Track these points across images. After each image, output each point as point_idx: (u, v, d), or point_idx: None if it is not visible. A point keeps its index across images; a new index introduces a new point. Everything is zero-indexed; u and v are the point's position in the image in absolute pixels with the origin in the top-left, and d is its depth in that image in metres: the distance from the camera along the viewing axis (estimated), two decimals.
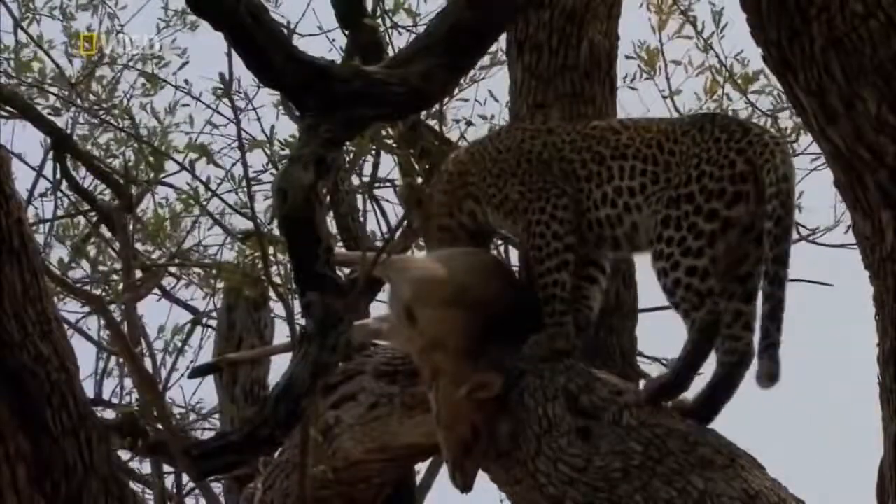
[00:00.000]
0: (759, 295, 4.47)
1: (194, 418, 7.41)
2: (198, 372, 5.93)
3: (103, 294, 6.52)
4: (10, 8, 7.13)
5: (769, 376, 4.31)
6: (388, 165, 6.80)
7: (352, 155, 6.32)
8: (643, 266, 4.77)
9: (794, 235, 4.84)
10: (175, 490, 6.62)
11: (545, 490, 4.44)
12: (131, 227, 6.64)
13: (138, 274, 6.48)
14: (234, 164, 6.91)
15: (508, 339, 4.63)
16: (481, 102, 6.38)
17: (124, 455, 5.15)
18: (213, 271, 6.71)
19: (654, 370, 6.70)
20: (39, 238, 6.85)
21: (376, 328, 4.99)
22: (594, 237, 4.66)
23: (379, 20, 6.46)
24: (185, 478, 6.60)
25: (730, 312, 4.49)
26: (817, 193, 6.31)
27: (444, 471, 4.77)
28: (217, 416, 7.36)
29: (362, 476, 5.00)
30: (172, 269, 6.96)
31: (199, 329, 7.39)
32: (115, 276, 6.62)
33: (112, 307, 6.31)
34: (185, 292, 7.26)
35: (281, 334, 7.11)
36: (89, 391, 6.05)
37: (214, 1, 3.92)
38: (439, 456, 4.81)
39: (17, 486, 4.09)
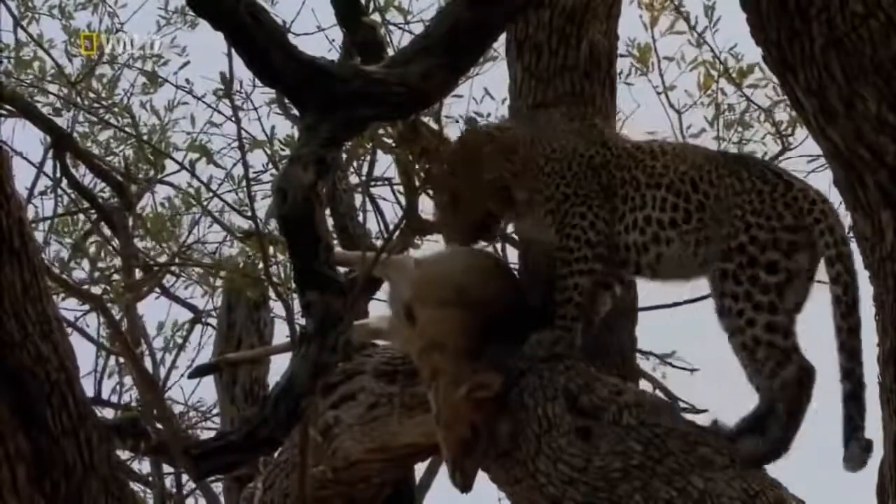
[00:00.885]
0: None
1: (196, 419, 7.41)
2: (198, 372, 5.93)
3: (103, 293, 6.51)
4: (9, 7, 7.14)
5: (861, 462, 4.23)
6: (385, 164, 6.79)
7: (346, 155, 6.30)
8: None
9: None
10: (175, 490, 6.63)
11: (545, 490, 4.44)
12: (131, 224, 6.63)
13: (139, 274, 6.47)
14: (234, 165, 6.93)
15: (508, 339, 4.64)
16: (477, 101, 6.37)
17: (124, 455, 5.15)
18: (214, 270, 6.70)
19: (650, 367, 6.73)
20: (39, 236, 6.85)
21: (376, 328, 5.00)
22: (619, 258, 4.66)
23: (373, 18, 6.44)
24: (185, 478, 6.61)
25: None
26: None
27: (444, 471, 4.77)
28: (216, 413, 7.36)
29: (362, 476, 5.00)
30: (172, 268, 6.95)
31: (198, 328, 7.40)
32: (115, 276, 6.61)
33: (112, 307, 6.31)
34: (184, 290, 7.29)
35: (281, 334, 7.12)
36: (89, 390, 6.05)
37: (214, 0, 3.91)
38: (439, 456, 4.81)
39: (17, 485, 4.07)
